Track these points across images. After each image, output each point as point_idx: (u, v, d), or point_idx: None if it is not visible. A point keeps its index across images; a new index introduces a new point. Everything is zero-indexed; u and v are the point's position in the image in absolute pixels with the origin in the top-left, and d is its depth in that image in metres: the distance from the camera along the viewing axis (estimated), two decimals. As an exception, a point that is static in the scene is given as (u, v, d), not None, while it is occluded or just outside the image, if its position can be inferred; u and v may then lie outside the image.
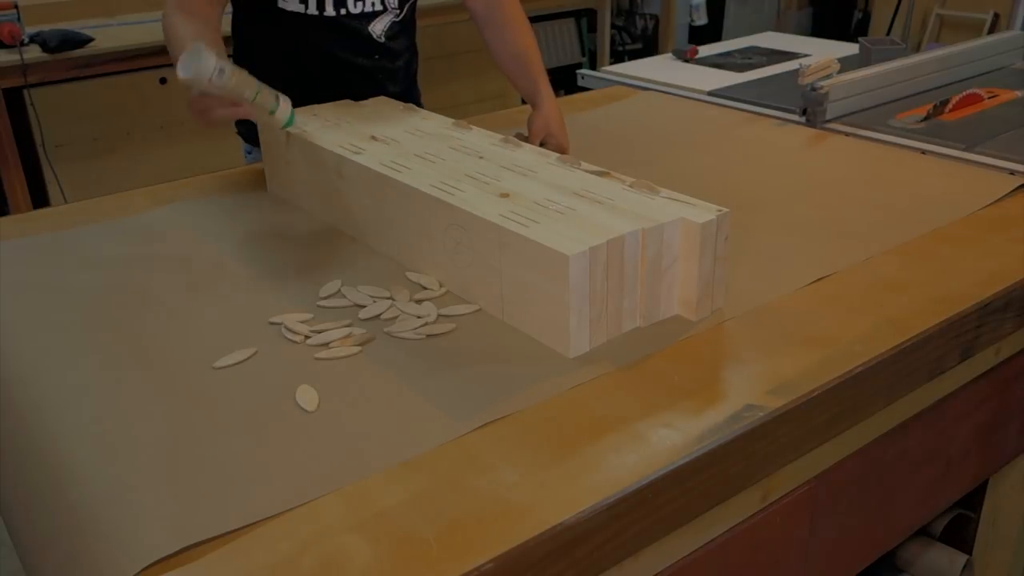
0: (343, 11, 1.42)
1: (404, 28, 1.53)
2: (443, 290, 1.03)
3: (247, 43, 1.49)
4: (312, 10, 1.40)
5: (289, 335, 0.94)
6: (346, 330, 0.95)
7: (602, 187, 1.01)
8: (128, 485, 0.73)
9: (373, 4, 1.45)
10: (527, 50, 1.41)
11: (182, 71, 1.03)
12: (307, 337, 0.94)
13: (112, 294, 1.06)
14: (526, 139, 1.33)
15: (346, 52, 1.47)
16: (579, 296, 0.87)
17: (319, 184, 1.23)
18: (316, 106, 1.39)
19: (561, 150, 1.34)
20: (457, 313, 0.98)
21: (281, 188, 1.34)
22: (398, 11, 1.49)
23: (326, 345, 0.92)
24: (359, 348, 0.92)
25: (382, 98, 1.43)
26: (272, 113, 1.14)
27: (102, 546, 0.67)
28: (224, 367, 0.89)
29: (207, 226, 1.24)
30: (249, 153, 1.61)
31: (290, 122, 1.17)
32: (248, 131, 1.58)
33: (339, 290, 1.03)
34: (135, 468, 0.75)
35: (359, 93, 1.43)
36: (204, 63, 1.01)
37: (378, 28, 1.48)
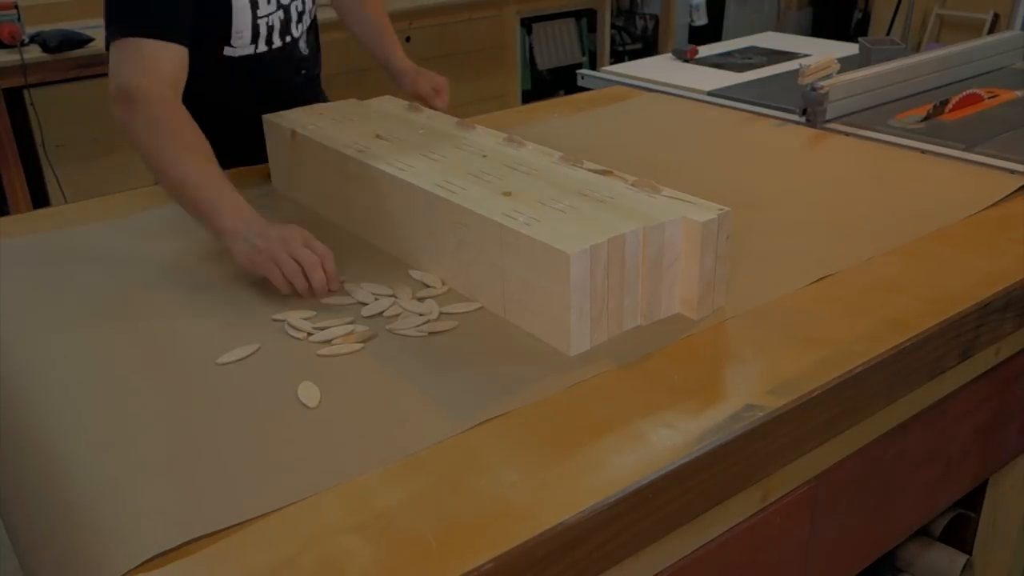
0: (288, 38, 1.40)
1: (314, 32, 1.50)
2: (445, 288, 1.03)
3: (192, 97, 1.25)
4: (262, 47, 1.36)
5: (292, 332, 0.95)
6: (348, 327, 0.95)
7: (604, 186, 1.01)
8: (127, 481, 0.73)
9: (304, 20, 1.43)
10: (384, 28, 1.58)
11: None
12: (309, 334, 0.94)
13: (112, 292, 1.06)
14: (423, 103, 1.46)
15: (287, 76, 1.44)
16: (580, 294, 0.87)
17: (323, 182, 1.23)
18: (320, 105, 1.39)
19: (440, 83, 1.53)
20: (459, 311, 0.98)
21: (285, 186, 1.34)
22: (310, 18, 1.46)
23: (328, 342, 0.92)
24: (361, 345, 0.92)
25: (387, 97, 1.43)
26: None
27: (100, 541, 0.67)
28: (227, 363, 0.89)
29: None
30: None
31: None
32: None
33: (342, 287, 1.03)
34: (134, 464, 0.75)
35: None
36: None
37: (302, 42, 1.46)
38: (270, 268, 0.99)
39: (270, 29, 1.36)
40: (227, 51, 1.34)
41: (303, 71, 1.48)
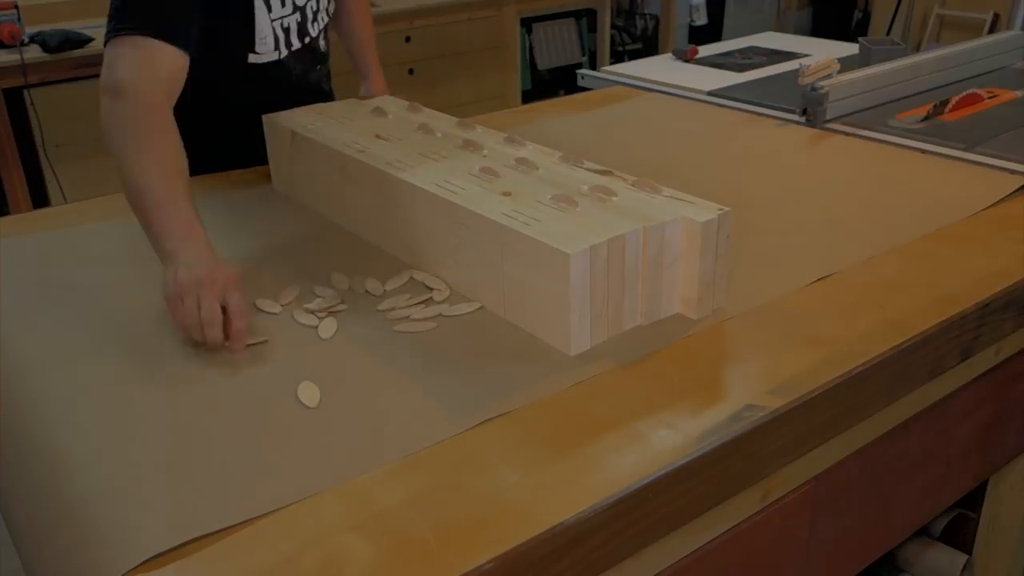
0: (307, 39, 1.41)
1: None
2: (445, 288, 1.03)
3: (218, 101, 1.35)
4: (283, 52, 1.37)
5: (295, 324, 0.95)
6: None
7: (604, 186, 1.01)
8: (127, 480, 0.73)
9: (322, 19, 1.43)
10: (368, 37, 1.60)
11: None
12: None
13: (113, 291, 1.06)
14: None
15: (305, 74, 1.45)
16: (580, 294, 0.87)
17: (324, 182, 1.23)
18: (320, 105, 1.39)
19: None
20: (459, 311, 0.98)
21: (286, 186, 1.34)
22: (327, 15, 1.47)
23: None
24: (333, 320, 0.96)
25: (388, 97, 1.43)
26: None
27: (100, 540, 0.67)
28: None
29: (210, 224, 1.22)
30: None
31: None
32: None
33: (348, 287, 1.04)
34: (134, 463, 0.75)
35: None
36: None
37: (321, 40, 1.47)
38: (175, 307, 0.92)
39: (286, 31, 1.36)
40: (252, 58, 1.34)
41: (318, 66, 1.50)
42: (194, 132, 1.35)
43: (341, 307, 1.00)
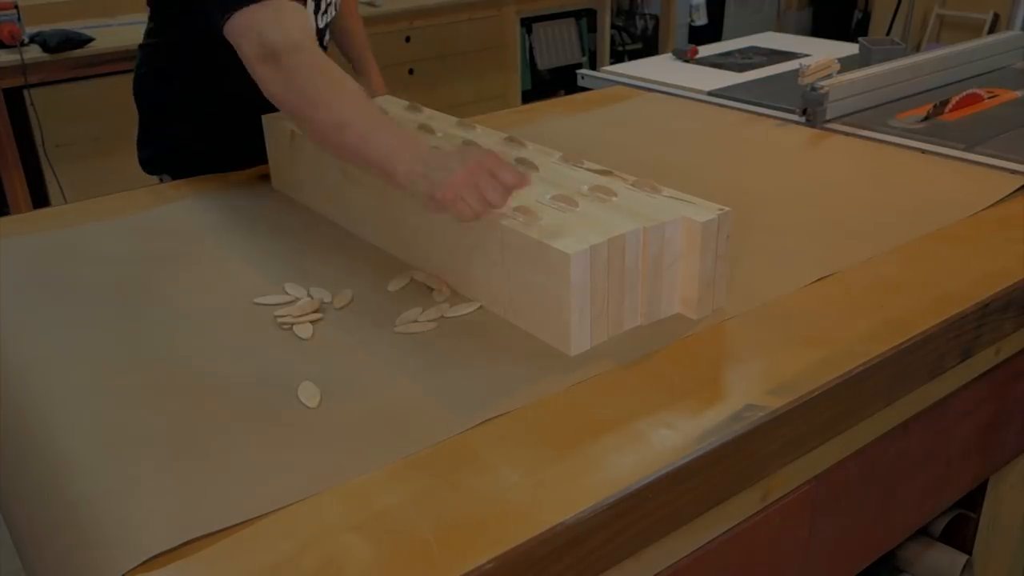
0: (313, 30, 1.40)
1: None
2: (445, 288, 1.03)
3: (227, 95, 1.35)
4: None
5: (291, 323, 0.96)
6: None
7: (604, 186, 1.01)
8: (128, 480, 0.73)
9: (330, 12, 1.43)
10: (363, 35, 1.63)
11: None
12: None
13: (113, 291, 1.06)
14: None
15: None
16: (580, 294, 0.87)
17: (324, 182, 1.23)
18: None
19: None
20: (459, 311, 0.98)
21: (286, 186, 1.34)
22: (335, 10, 1.47)
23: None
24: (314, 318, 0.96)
25: (387, 97, 1.43)
26: None
27: (100, 540, 0.67)
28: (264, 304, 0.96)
29: (211, 224, 1.24)
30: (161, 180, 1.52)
31: None
32: (154, 157, 1.50)
33: (348, 287, 1.04)
34: (135, 463, 0.75)
35: None
36: None
37: (326, 34, 1.47)
38: (461, 210, 0.92)
39: None
40: None
41: None
42: (194, 132, 1.35)
43: (340, 307, 1.00)
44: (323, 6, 1.40)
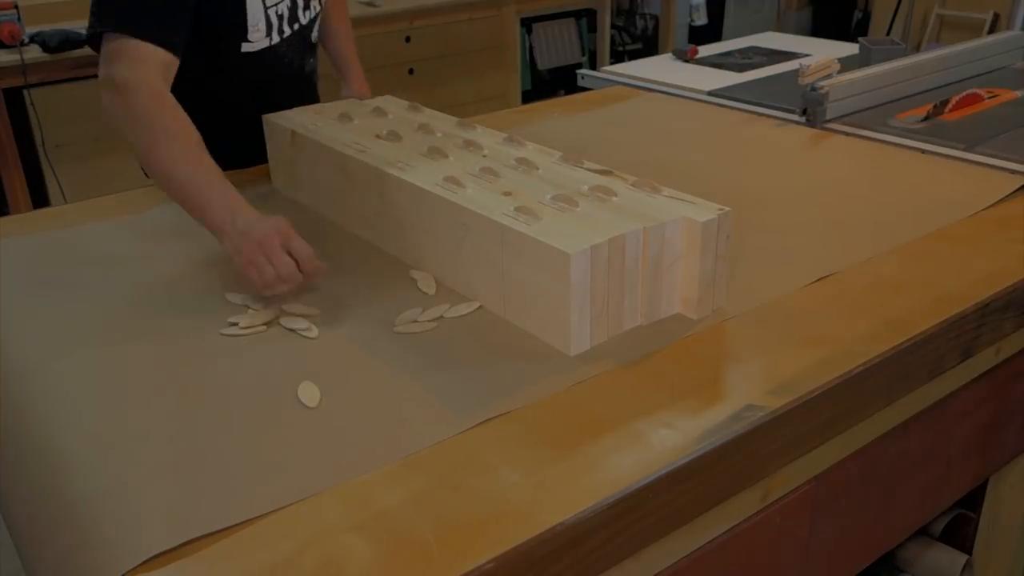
0: (296, 25, 1.41)
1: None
2: (445, 287, 1.03)
3: (207, 95, 1.34)
4: (275, 39, 1.38)
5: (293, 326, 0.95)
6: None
7: (604, 186, 1.01)
8: (128, 480, 0.73)
9: (314, 7, 1.44)
10: (348, 40, 1.63)
11: None
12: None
13: (112, 293, 1.06)
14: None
15: (298, 62, 1.46)
16: (580, 294, 0.87)
17: (324, 182, 1.23)
18: (321, 104, 1.39)
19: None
20: (459, 311, 0.98)
21: (286, 186, 1.34)
22: (320, 5, 1.48)
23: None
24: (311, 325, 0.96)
25: (388, 97, 1.43)
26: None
27: (100, 540, 0.67)
28: (232, 335, 0.94)
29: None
30: None
31: None
32: None
33: (347, 288, 1.04)
34: (135, 463, 0.75)
35: (304, 99, 1.45)
36: None
37: (312, 32, 1.47)
38: (250, 273, 0.98)
39: (280, 18, 1.37)
40: (245, 47, 1.35)
41: (311, 58, 1.50)
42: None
43: (340, 307, 1.00)
44: (300, 2, 1.40)
